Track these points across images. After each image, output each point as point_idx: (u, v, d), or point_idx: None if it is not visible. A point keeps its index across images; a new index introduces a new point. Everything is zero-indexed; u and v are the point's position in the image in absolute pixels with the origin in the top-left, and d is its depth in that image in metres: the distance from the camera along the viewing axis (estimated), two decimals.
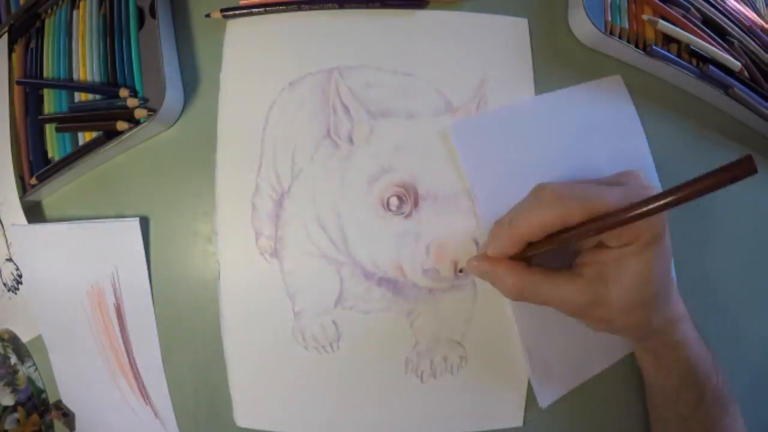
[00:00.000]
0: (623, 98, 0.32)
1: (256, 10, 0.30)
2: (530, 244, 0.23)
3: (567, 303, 0.24)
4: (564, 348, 0.30)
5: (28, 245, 0.33)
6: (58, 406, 0.34)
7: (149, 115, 0.30)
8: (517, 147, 0.29)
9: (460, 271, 0.28)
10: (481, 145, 0.29)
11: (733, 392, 0.28)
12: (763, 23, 0.34)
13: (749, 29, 0.33)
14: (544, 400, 0.30)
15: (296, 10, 0.30)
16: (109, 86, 0.31)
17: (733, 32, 0.32)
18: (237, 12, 0.31)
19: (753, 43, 0.33)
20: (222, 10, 0.31)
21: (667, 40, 0.32)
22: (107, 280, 0.32)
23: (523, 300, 0.24)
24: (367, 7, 0.30)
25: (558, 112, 0.30)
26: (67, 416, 0.34)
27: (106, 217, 0.32)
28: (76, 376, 0.34)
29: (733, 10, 0.33)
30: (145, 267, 0.31)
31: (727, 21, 0.32)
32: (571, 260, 0.25)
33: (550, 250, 0.23)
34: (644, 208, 0.18)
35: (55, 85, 0.32)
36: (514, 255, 0.24)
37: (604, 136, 0.31)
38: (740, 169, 0.15)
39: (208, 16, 0.31)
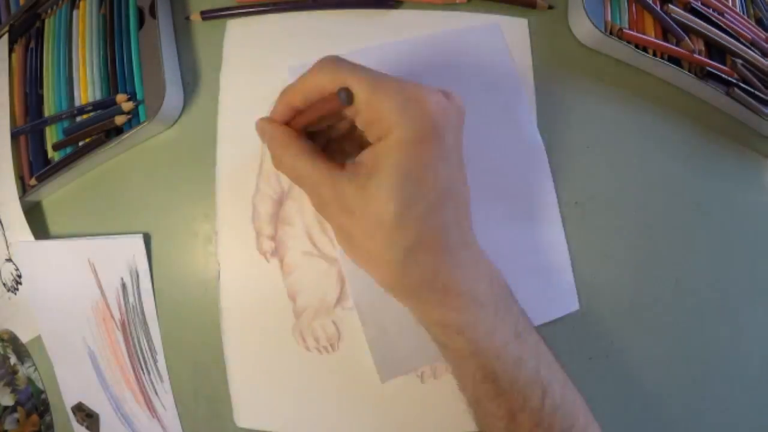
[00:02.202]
0: (501, 49, 0.30)
1: (234, 12, 0.30)
2: (300, 115, 0.22)
3: (315, 189, 0.21)
4: (405, 319, 0.26)
5: (33, 261, 0.33)
6: (81, 407, 0.34)
7: (129, 120, 0.30)
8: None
9: None
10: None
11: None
12: (764, 35, 0.34)
13: (752, 42, 0.33)
14: (385, 374, 0.28)
15: (273, 12, 0.30)
16: (106, 101, 0.31)
17: (736, 50, 0.32)
18: (215, 14, 0.31)
19: (756, 55, 0.33)
20: (202, 12, 0.31)
21: (666, 38, 0.32)
22: (113, 296, 0.32)
23: (279, 169, 0.22)
24: (340, 6, 0.30)
25: (431, 54, 0.29)
26: (91, 417, 0.34)
27: (106, 219, 0.32)
28: (81, 388, 0.34)
29: (735, 24, 0.33)
30: (150, 283, 0.31)
31: (728, 39, 0.32)
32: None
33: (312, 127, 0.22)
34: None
35: (55, 119, 0.32)
36: (297, 125, 0.22)
37: (484, 85, 0.29)
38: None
39: (187, 18, 0.31)
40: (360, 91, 0.19)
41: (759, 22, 0.35)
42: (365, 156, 0.20)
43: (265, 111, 0.30)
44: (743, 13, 0.35)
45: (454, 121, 0.20)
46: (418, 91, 0.19)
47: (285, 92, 0.22)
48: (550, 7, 0.31)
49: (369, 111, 0.19)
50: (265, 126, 0.23)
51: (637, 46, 0.30)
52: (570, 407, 0.22)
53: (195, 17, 0.31)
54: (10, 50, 0.35)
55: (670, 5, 0.31)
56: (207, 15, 0.31)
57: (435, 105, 0.19)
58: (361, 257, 0.21)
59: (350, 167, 0.20)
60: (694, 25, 0.31)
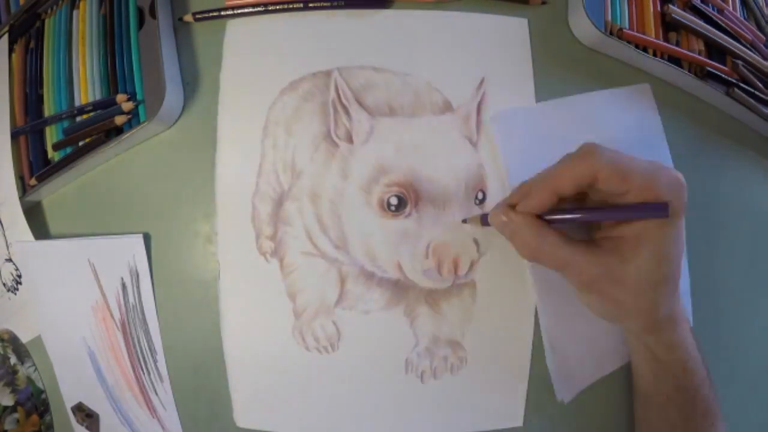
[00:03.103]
0: (651, 107, 0.32)
1: (225, 13, 0.30)
2: (558, 203, 0.23)
3: (581, 271, 0.24)
4: (583, 343, 0.30)
5: (33, 261, 0.33)
6: (81, 407, 0.34)
7: (130, 120, 0.30)
8: (552, 141, 0.29)
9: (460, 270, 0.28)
10: (518, 135, 0.30)
11: (720, 409, 0.28)
12: (763, 36, 0.34)
13: (752, 44, 0.33)
14: (565, 394, 0.30)
15: (264, 14, 0.30)
16: (106, 101, 0.31)
17: (737, 51, 0.32)
18: (208, 15, 0.31)
19: (756, 56, 0.33)
20: (194, 14, 0.31)
21: (666, 38, 0.32)
22: (113, 296, 0.32)
23: (537, 259, 0.24)
24: (332, 7, 0.30)
25: (592, 113, 0.31)
26: (91, 417, 0.34)
27: (106, 219, 0.32)
28: (81, 388, 0.34)
29: (735, 24, 0.33)
30: (150, 283, 0.31)
31: (728, 40, 0.32)
32: (591, 236, 0.26)
33: (571, 222, 0.24)
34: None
35: (55, 119, 0.32)
36: (539, 214, 0.24)
37: (631, 142, 0.31)
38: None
39: (181, 20, 0.31)
40: (637, 177, 0.22)
41: (757, 25, 0.35)
42: (627, 231, 0.23)
43: (264, 111, 0.30)
44: (743, 17, 0.35)
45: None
46: (676, 175, 0.22)
47: (544, 180, 0.23)
48: (544, 2, 0.31)
49: (643, 194, 0.22)
50: (515, 218, 0.24)
51: (637, 46, 0.30)
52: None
53: (188, 18, 0.31)
54: (10, 50, 0.35)
55: (669, 5, 0.31)
56: (199, 16, 0.31)
57: (683, 188, 0.22)
58: (629, 314, 0.25)
59: (609, 243, 0.24)
60: (694, 26, 0.31)
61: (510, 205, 0.25)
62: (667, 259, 0.23)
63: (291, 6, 0.30)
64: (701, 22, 0.32)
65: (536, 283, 0.29)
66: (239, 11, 0.30)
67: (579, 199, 0.25)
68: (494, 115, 0.30)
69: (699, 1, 0.32)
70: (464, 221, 0.28)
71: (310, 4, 0.30)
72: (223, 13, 0.31)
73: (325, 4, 0.30)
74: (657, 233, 0.22)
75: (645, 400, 0.29)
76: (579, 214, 0.23)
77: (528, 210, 0.24)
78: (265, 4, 0.30)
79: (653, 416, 0.29)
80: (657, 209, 0.21)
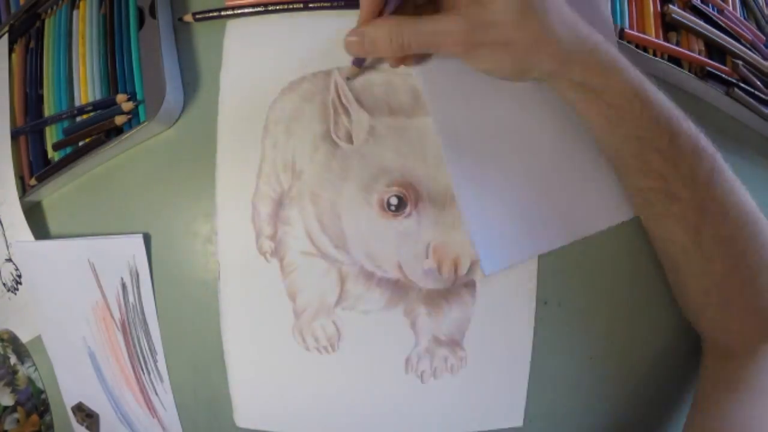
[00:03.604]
0: None
1: (225, 12, 0.30)
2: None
3: (452, 32, 0.23)
4: (510, 199, 0.28)
5: (33, 261, 0.33)
6: (81, 407, 0.34)
7: (130, 120, 0.30)
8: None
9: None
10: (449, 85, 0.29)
11: (716, 150, 0.26)
12: (763, 36, 0.34)
13: (752, 43, 0.33)
14: (489, 264, 0.28)
15: (262, 13, 0.30)
16: (106, 101, 0.31)
17: (737, 51, 0.32)
18: (208, 15, 0.31)
19: (756, 57, 0.33)
20: (194, 14, 0.31)
21: (666, 38, 0.32)
22: (113, 296, 0.32)
23: (407, 49, 0.24)
24: (332, 7, 0.30)
25: None
26: (91, 417, 0.34)
27: (106, 219, 0.32)
28: (82, 389, 0.34)
29: (735, 24, 0.33)
30: (150, 283, 0.31)
31: (729, 40, 0.32)
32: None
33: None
34: None
35: (55, 119, 0.32)
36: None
37: None
38: None
39: (180, 20, 0.31)
40: None
41: (757, 25, 0.35)
42: None
43: (264, 111, 0.30)
44: (743, 17, 0.35)
45: None
46: None
47: None
48: None
49: None
50: (362, 31, 0.24)
51: (637, 46, 0.30)
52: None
53: (187, 18, 0.31)
54: (10, 50, 0.35)
55: (669, 5, 0.31)
56: (199, 16, 0.31)
57: None
58: (529, 53, 0.23)
59: (461, 2, 0.23)
60: (694, 26, 0.31)
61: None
62: None
63: (291, 6, 0.30)
64: (701, 22, 0.32)
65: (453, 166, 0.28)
66: (239, 11, 0.30)
67: None
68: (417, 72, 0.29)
69: (699, 1, 0.32)
70: (348, 78, 0.28)
71: (310, 4, 0.30)
72: (223, 13, 0.31)
73: (325, 4, 0.30)
74: None
75: (615, 162, 0.27)
76: None
77: (366, 17, 0.24)
78: (265, 4, 0.30)
79: (624, 166, 0.27)
80: None
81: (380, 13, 0.25)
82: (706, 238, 0.26)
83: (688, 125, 0.26)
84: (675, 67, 0.31)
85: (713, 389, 0.27)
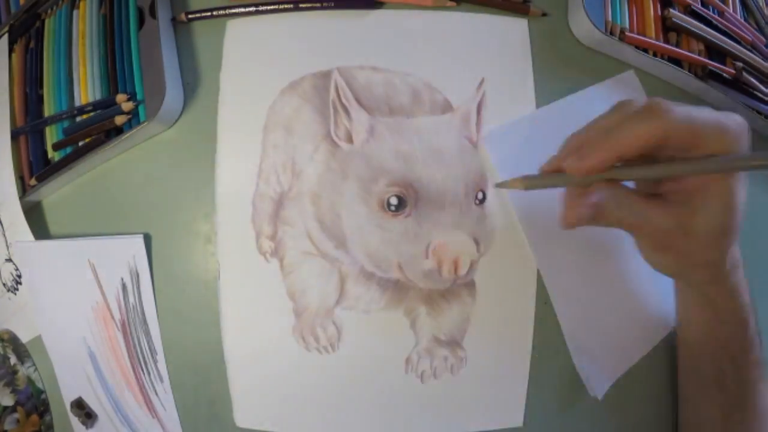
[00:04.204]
0: (639, 92, 0.32)
1: (217, 13, 0.31)
2: (617, 166, 0.22)
3: (656, 226, 0.23)
4: (606, 334, 0.30)
5: (33, 261, 0.33)
6: (81, 404, 0.34)
7: (130, 120, 0.30)
8: (550, 150, 0.28)
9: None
10: (514, 152, 0.29)
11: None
12: (763, 38, 0.34)
13: (752, 44, 0.33)
14: (598, 390, 0.30)
15: (254, 14, 0.31)
16: (106, 101, 0.31)
17: (737, 53, 0.32)
18: (200, 15, 0.31)
19: (756, 57, 0.33)
20: (187, 13, 0.31)
21: (667, 39, 0.32)
22: (113, 296, 0.32)
23: (607, 222, 0.23)
24: (322, 8, 0.30)
25: (580, 112, 0.29)
26: (91, 417, 0.34)
27: (106, 219, 0.32)
28: (81, 388, 0.34)
29: (735, 26, 0.33)
30: (150, 283, 0.31)
31: (729, 41, 0.32)
32: (654, 190, 0.24)
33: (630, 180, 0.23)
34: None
35: (55, 119, 0.32)
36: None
37: None
38: None
39: (174, 19, 0.31)
40: (709, 130, 0.21)
41: (757, 26, 0.35)
42: (694, 182, 0.22)
43: (264, 111, 0.30)
44: (742, 17, 0.35)
45: None
46: (741, 120, 0.22)
47: (608, 139, 0.21)
48: (544, 14, 0.31)
49: (713, 146, 0.21)
50: (597, 188, 0.22)
51: (637, 47, 0.30)
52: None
53: (181, 18, 0.31)
54: (10, 50, 0.35)
55: (670, 9, 0.31)
56: (192, 16, 0.31)
57: (747, 131, 0.22)
58: (696, 266, 0.25)
59: (677, 195, 0.23)
60: (695, 29, 0.31)
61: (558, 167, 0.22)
62: (733, 207, 0.22)
63: (281, 6, 0.30)
64: (702, 25, 0.32)
65: (552, 288, 0.29)
66: (231, 11, 0.30)
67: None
68: (487, 137, 0.29)
69: (699, 4, 0.32)
70: (498, 185, 0.24)
71: (301, 5, 0.30)
72: (214, 13, 0.31)
73: (315, 4, 0.30)
74: (724, 182, 0.22)
75: (695, 349, 0.29)
76: (659, 170, 0.22)
77: (585, 170, 0.21)
78: (257, 5, 0.30)
79: (704, 362, 0.29)
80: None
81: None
82: (733, 423, 0.28)
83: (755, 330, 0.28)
84: (675, 67, 0.31)
85: None
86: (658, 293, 0.31)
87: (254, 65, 0.31)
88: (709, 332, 0.28)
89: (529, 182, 0.23)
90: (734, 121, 0.21)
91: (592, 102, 0.31)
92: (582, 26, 0.30)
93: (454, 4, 0.31)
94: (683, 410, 0.31)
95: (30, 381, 0.35)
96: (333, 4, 0.30)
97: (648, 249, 0.25)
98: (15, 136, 0.33)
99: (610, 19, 0.31)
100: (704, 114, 0.21)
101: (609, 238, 0.29)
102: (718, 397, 0.28)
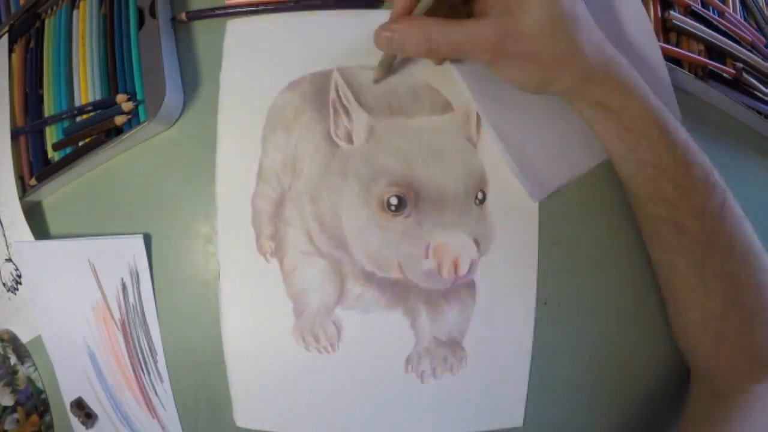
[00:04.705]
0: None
1: (218, 12, 0.31)
2: None
3: (480, 40, 0.23)
4: (540, 134, 0.29)
5: (33, 261, 0.33)
6: (81, 404, 0.34)
7: (130, 120, 0.30)
8: None
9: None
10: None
11: (727, 185, 0.26)
12: (763, 38, 0.34)
13: (752, 44, 0.33)
14: (535, 193, 0.29)
15: (254, 14, 0.31)
16: (106, 101, 0.31)
17: (737, 53, 0.32)
18: (201, 13, 0.31)
19: (756, 57, 0.33)
20: (187, 13, 0.31)
21: (667, 39, 0.32)
22: (113, 296, 0.32)
23: (433, 49, 0.24)
24: (322, 6, 0.30)
25: None
26: (91, 417, 0.33)
27: (106, 219, 0.32)
28: (81, 388, 0.34)
29: (735, 26, 0.33)
30: (150, 283, 0.31)
31: (729, 42, 0.32)
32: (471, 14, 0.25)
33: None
34: None
35: (55, 119, 0.32)
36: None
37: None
38: None
39: (174, 19, 0.31)
40: None
41: (757, 26, 0.35)
42: None
43: (264, 111, 0.30)
44: (742, 17, 0.35)
45: None
46: None
47: None
48: None
49: None
50: (395, 26, 0.24)
51: None
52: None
53: (181, 17, 0.31)
54: (10, 50, 0.35)
55: (670, 12, 0.31)
56: (192, 15, 0.31)
57: None
58: (553, 66, 0.24)
59: (492, 9, 0.23)
60: (695, 31, 0.31)
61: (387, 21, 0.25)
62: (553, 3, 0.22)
63: (281, 6, 0.30)
64: (702, 27, 0.32)
65: (471, 87, 0.28)
66: (231, 11, 0.30)
67: None
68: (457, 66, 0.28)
69: (699, 5, 0.32)
70: (375, 81, 0.28)
71: (301, 3, 0.30)
72: (217, 12, 0.31)
73: (315, 2, 0.30)
74: None
75: (631, 189, 0.27)
76: None
77: (399, 12, 0.24)
78: (257, 4, 0.30)
79: (643, 197, 0.27)
80: None
81: (411, 11, 0.24)
82: (710, 272, 0.26)
83: (702, 158, 0.26)
84: (675, 67, 0.31)
85: (697, 424, 0.28)
86: None
87: (254, 65, 0.31)
88: (626, 155, 0.26)
89: (377, 73, 0.28)
90: None
91: None
92: None
93: None
94: (664, 293, 0.29)
95: (30, 381, 0.35)
96: (333, 3, 0.30)
97: (489, 65, 0.24)
98: (15, 136, 0.33)
99: None
100: None
101: None
102: (679, 241, 0.26)
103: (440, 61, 0.28)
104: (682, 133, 0.26)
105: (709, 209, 0.26)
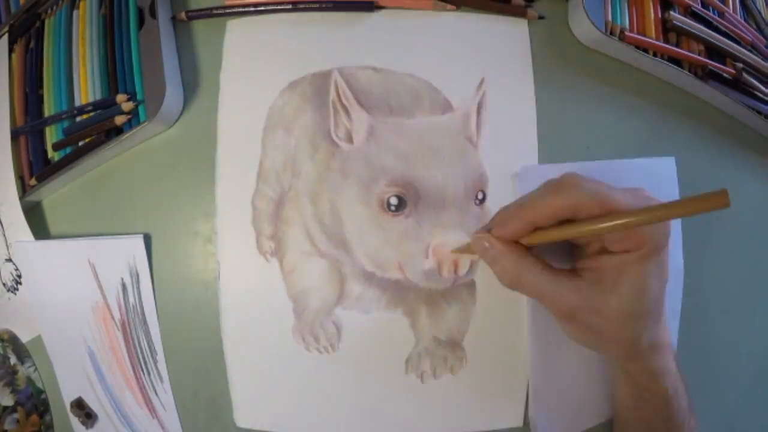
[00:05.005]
0: (672, 183, 0.31)
1: (217, 11, 0.31)
2: (536, 231, 0.23)
3: (562, 301, 0.23)
4: (570, 388, 0.30)
5: (33, 261, 0.33)
6: (81, 404, 0.34)
7: (130, 120, 0.30)
8: None
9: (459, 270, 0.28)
10: None
11: None
12: (763, 38, 0.34)
13: (752, 45, 0.33)
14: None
15: (253, 14, 0.31)
16: (106, 101, 0.31)
17: (737, 53, 0.32)
18: (200, 13, 0.31)
19: (756, 57, 0.33)
20: (187, 12, 0.31)
21: (667, 39, 0.32)
22: (113, 296, 0.32)
23: (517, 287, 0.24)
24: (320, 9, 0.30)
25: (615, 179, 0.27)
26: (91, 417, 0.33)
27: (106, 219, 0.32)
28: (81, 388, 0.34)
29: (735, 26, 0.33)
30: (150, 283, 0.31)
31: (729, 43, 0.32)
32: (571, 265, 0.25)
33: (551, 246, 0.23)
34: (654, 213, 0.18)
35: (55, 119, 0.32)
36: (518, 240, 0.24)
37: None
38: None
39: (174, 18, 0.31)
40: (621, 209, 0.21)
41: (757, 27, 0.35)
42: (608, 262, 0.23)
43: (264, 111, 0.30)
44: (742, 17, 0.35)
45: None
46: (654, 200, 0.22)
47: (522, 210, 0.23)
48: (541, 17, 0.31)
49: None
50: (496, 245, 0.24)
51: (637, 46, 0.30)
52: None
53: (181, 17, 0.31)
54: (10, 50, 0.35)
55: (671, 12, 0.31)
56: (192, 14, 0.31)
57: (669, 224, 0.23)
58: (609, 344, 0.25)
59: (589, 273, 0.23)
60: (695, 31, 0.31)
61: (489, 232, 0.24)
62: (648, 292, 0.23)
63: (279, 7, 0.30)
64: (702, 27, 0.32)
65: (532, 325, 0.29)
66: (230, 11, 0.31)
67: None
68: (517, 171, 0.29)
69: (699, 5, 0.32)
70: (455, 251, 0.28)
71: (299, 5, 0.30)
72: (214, 11, 0.31)
73: (313, 5, 0.30)
74: (638, 266, 0.22)
75: (621, 425, 0.29)
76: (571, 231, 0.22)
77: (506, 235, 0.23)
78: (256, 5, 0.30)
79: None
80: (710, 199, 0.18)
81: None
82: None
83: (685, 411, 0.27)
84: (675, 67, 0.31)
85: None
86: None
87: (254, 65, 0.31)
88: (632, 407, 0.28)
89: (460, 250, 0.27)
90: (643, 198, 0.22)
91: (625, 173, 0.30)
92: (582, 26, 0.30)
93: (453, 7, 0.31)
94: None
95: (30, 381, 0.35)
96: (332, 6, 0.30)
97: (560, 319, 0.25)
98: (15, 136, 0.33)
99: (610, 19, 0.31)
100: (619, 191, 0.21)
101: None
102: None
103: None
104: (682, 404, 0.27)
105: None
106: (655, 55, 0.31)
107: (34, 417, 0.35)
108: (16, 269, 0.35)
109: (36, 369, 0.35)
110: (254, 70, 0.31)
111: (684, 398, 0.27)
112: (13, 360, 0.35)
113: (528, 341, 0.29)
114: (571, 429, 0.30)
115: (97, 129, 0.31)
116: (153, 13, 0.30)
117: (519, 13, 0.31)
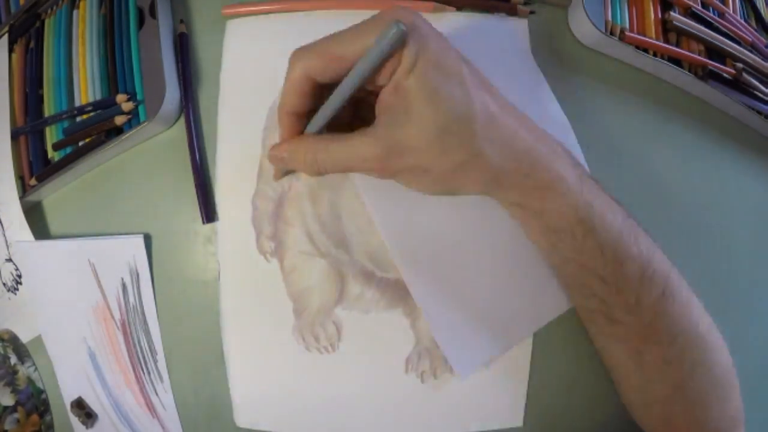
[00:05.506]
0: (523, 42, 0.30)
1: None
2: (305, 116, 0.23)
3: (365, 157, 0.21)
4: (471, 303, 0.28)
5: (33, 261, 0.33)
6: (81, 404, 0.34)
7: (130, 120, 0.30)
8: None
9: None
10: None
11: (671, 269, 0.24)
12: (763, 39, 0.34)
13: (752, 45, 0.33)
14: (463, 369, 0.28)
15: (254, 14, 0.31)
16: (106, 101, 0.31)
17: (737, 54, 0.32)
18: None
19: (756, 57, 0.33)
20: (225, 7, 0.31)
21: (667, 39, 0.32)
22: (113, 296, 0.32)
23: (323, 172, 0.23)
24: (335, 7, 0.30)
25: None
26: (91, 417, 0.33)
27: (106, 219, 0.32)
28: (81, 388, 0.34)
29: (735, 26, 0.33)
30: (150, 283, 0.31)
31: (729, 43, 0.32)
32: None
33: (332, 119, 0.22)
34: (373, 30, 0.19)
35: (55, 119, 0.32)
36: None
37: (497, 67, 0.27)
38: None
39: (182, 21, 0.31)
40: (349, 40, 0.20)
41: (757, 27, 0.35)
42: (385, 96, 0.21)
43: (264, 111, 0.30)
44: (743, 18, 0.35)
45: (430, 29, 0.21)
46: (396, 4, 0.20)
47: (281, 106, 0.23)
48: (532, 12, 0.31)
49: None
50: (284, 148, 0.24)
51: (637, 47, 0.30)
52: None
53: (182, 29, 0.31)
54: (10, 50, 0.35)
55: (671, 13, 0.31)
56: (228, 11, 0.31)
57: (407, 10, 0.20)
58: (453, 178, 0.22)
59: (379, 120, 0.21)
60: (695, 32, 0.31)
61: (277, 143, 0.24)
62: (440, 97, 0.20)
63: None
64: (702, 28, 0.32)
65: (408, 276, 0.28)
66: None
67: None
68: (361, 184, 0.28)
69: (700, 5, 0.32)
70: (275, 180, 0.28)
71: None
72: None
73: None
74: (411, 79, 0.19)
75: (561, 279, 0.26)
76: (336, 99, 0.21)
77: (286, 135, 0.23)
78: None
79: (572, 288, 0.25)
80: None
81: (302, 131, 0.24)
82: (649, 361, 0.24)
83: (638, 249, 0.23)
84: (675, 67, 0.31)
85: None
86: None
87: (254, 65, 0.31)
88: (551, 253, 0.24)
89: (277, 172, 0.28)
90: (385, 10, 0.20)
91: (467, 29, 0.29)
92: (582, 26, 0.30)
93: (454, 9, 0.31)
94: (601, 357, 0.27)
95: (30, 381, 0.35)
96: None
97: (383, 177, 0.23)
98: (15, 136, 0.33)
99: (610, 19, 0.31)
100: (340, 32, 0.21)
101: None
102: (613, 330, 0.24)
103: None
104: (613, 226, 0.23)
105: (646, 302, 0.23)
106: (655, 55, 0.31)
107: (35, 417, 0.35)
108: (16, 269, 0.35)
109: (36, 369, 0.35)
110: (254, 69, 0.31)
111: (615, 213, 0.23)
112: (13, 360, 0.35)
113: (416, 298, 0.28)
114: (490, 349, 0.29)
115: (97, 129, 0.31)
116: (153, 13, 0.30)
117: (509, 11, 0.31)
